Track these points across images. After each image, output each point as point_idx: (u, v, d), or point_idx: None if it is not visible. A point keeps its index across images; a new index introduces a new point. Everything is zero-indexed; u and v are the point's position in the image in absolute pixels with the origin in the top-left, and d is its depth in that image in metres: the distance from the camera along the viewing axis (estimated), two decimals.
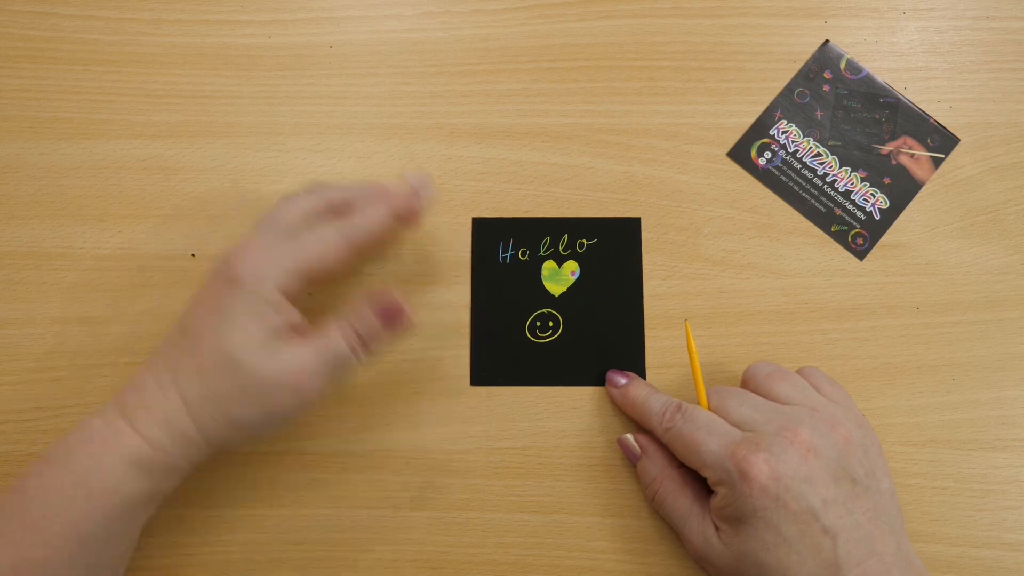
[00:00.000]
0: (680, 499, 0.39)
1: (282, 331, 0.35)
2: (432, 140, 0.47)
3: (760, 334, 0.45)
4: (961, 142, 0.47)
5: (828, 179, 0.47)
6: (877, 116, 0.47)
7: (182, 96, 0.47)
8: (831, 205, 0.46)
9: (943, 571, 0.42)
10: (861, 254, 0.46)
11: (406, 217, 0.39)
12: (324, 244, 0.36)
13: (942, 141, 0.47)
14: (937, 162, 0.47)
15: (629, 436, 0.42)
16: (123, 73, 0.47)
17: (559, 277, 0.45)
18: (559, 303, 0.45)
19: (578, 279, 0.45)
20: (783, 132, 0.47)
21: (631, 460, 0.42)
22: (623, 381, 0.43)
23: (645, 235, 0.46)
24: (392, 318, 0.37)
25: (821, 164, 0.47)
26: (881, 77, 0.48)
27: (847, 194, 0.46)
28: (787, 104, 0.47)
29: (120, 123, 0.47)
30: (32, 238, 0.45)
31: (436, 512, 0.43)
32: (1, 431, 0.43)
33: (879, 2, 0.49)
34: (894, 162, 0.47)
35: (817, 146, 0.47)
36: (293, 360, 0.35)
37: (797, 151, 0.47)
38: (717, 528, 0.37)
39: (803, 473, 0.35)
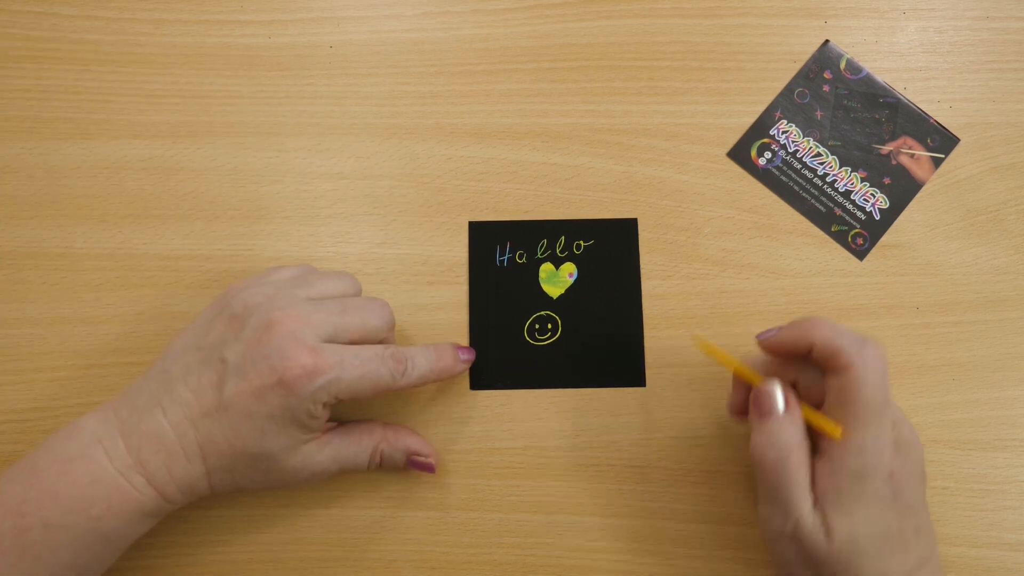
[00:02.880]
0: (806, 473, 0.35)
1: (313, 432, 0.38)
2: (432, 140, 0.47)
3: None
4: (961, 142, 0.47)
5: (828, 179, 0.47)
6: (877, 116, 0.47)
7: (182, 96, 0.47)
8: (831, 205, 0.46)
9: (943, 571, 0.42)
10: (861, 254, 0.46)
11: (446, 378, 0.42)
12: (374, 382, 0.37)
13: (942, 141, 0.47)
14: (937, 162, 0.47)
15: (774, 387, 0.36)
16: (123, 73, 0.47)
17: (557, 279, 0.45)
18: (557, 305, 0.45)
19: (576, 281, 0.45)
20: (783, 132, 0.47)
21: (761, 413, 0.36)
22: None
23: (645, 235, 0.46)
24: (418, 467, 0.41)
25: (821, 164, 0.47)
26: (881, 77, 0.48)
27: (847, 194, 0.46)
28: (787, 104, 0.47)
29: (120, 123, 0.47)
30: (32, 238, 0.45)
31: (436, 512, 0.43)
32: (1, 431, 0.43)
33: (879, 2, 0.49)
34: (894, 162, 0.47)
35: (817, 146, 0.47)
36: (313, 457, 0.38)
37: (797, 151, 0.47)
38: (816, 501, 0.35)
39: (918, 470, 0.36)
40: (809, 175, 0.47)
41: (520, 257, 0.46)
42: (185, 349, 0.37)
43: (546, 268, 0.45)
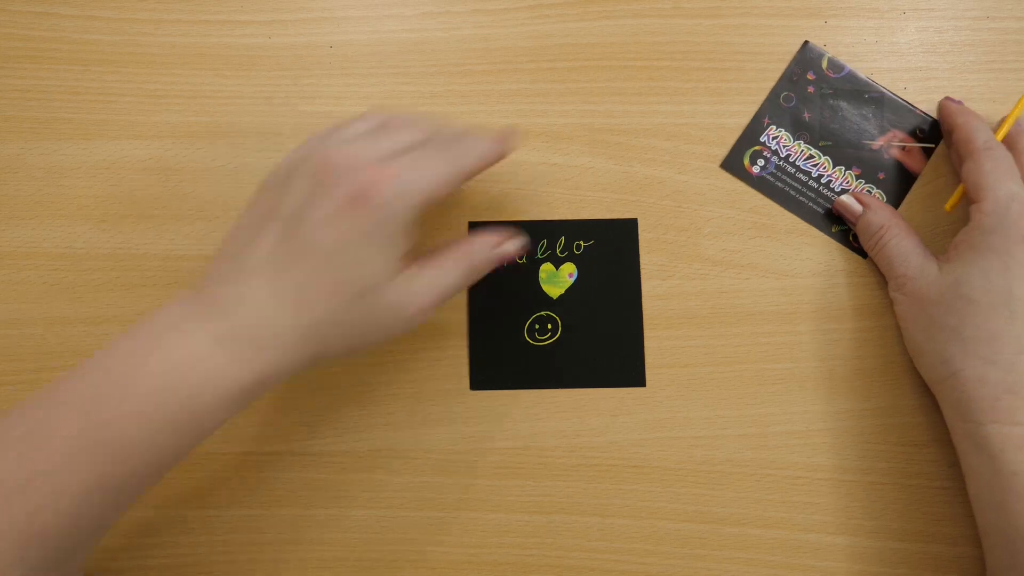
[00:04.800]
0: (907, 240, 0.42)
1: (405, 256, 0.36)
2: None
3: (760, 334, 0.45)
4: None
5: (823, 180, 0.46)
6: (864, 112, 0.47)
7: (182, 96, 0.47)
8: (829, 206, 0.46)
9: (943, 571, 0.42)
10: (864, 252, 0.46)
11: (500, 158, 0.39)
12: (442, 176, 0.36)
13: (930, 131, 0.47)
14: (928, 152, 0.47)
15: (846, 196, 0.45)
16: (123, 73, 0.47)
17: (557, 279, 0.45)
18: (557, 305, 0.45)
19: (576, 281, 0.45)
20: (773, 137, 0.47)
21: (850, 221, 0.45)
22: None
23: (645, 235, 0.46)
24: (505, 259, 0.40)
25: (814, 166, 0.47)
26: (881, 77, 0.48)
27: (844, 193, 0.46)
28: (774, 109, 0.47)
29: (120, 123, 0.47)
30: (32, 238, 0.45)
31: (436, 512, 0.43)
32: None
33: (879, 2, 0.49)
34: (886, 156, 0.47)
35: (808, 148, 0.47)
36: (411, 286, 0.36)
37: (789, 155, 0.47)
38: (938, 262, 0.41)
39: None
40: (804, 178, 0.46)
41: (520, 257, 0.46)
42: (237, 229, 0.36)
43: (546, 268, 0.45)
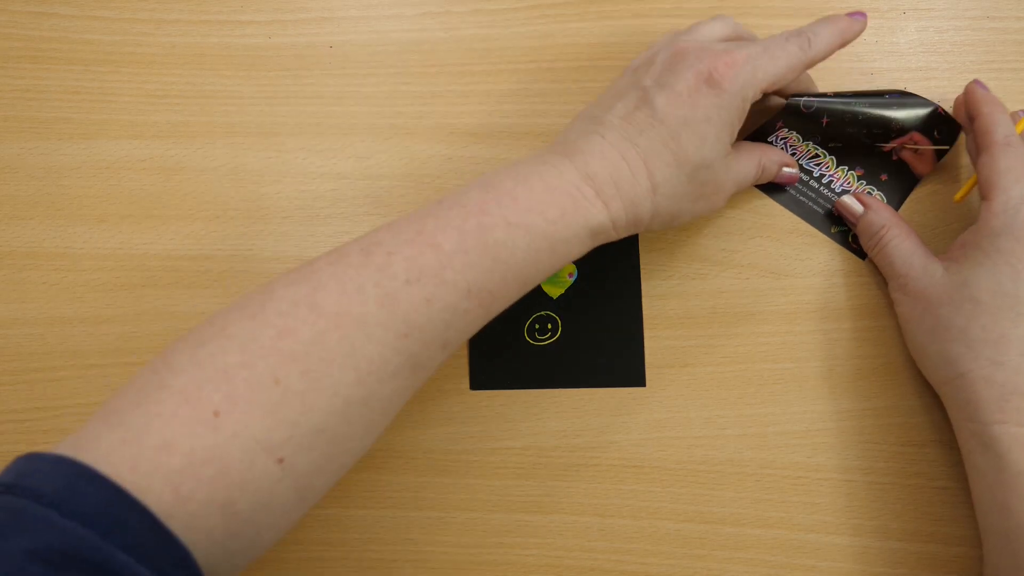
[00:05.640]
0: (908, 240, 0.42)
1: (732, 141, 0.39)
2: (432, 140, 0.47)
3: (760, 334, 0.45)
4: (963, 135, 0.46)
5: (824, 180, 0.46)
6: (882, 113, 0.46)
7: (182, 96, 0.47)
8: (829, 207, 0.46)
9: (943, 571, 0.42)
10: (863, 253, 0.46)
11: (852, 38, 0.41)
12: (787, 60, 0.38)
13: (948, 132, 0.45)
14: (941, 154, 0.46)
15: (847, 197, 0.45)
16: (123, 73, 0.47)
17: (557, 279, 0.45)
18: (557, 305, 0.45)
19: (576, 280, 0.45)
20: (782, 139, 0.46)
21: (850, 221, 0.45)
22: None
23: (645, 235, 0.46)
24: (785, 180, 0.45)
25: (817, 165, 0.46)
26: (881, 77, 0.48)
27: (844, 194, 0.46)
28: (792, 116, 0.45)
29: (120, 123, 0.47)
30: (32, 238, 0.45)
31: (436, 512, 0.43)
32: (1, 431, 0.43)
33: (879, 2, 0.49)
34: (895, 158, 0.46)
35: (816, 148, 0.46)
36: (730, 169, 0.39)
37: (795, 154, 0.46)
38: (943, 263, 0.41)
39: None
40: (805, 178, 0.46)
41: None
42: (593, 105, 0.40)
43: None
